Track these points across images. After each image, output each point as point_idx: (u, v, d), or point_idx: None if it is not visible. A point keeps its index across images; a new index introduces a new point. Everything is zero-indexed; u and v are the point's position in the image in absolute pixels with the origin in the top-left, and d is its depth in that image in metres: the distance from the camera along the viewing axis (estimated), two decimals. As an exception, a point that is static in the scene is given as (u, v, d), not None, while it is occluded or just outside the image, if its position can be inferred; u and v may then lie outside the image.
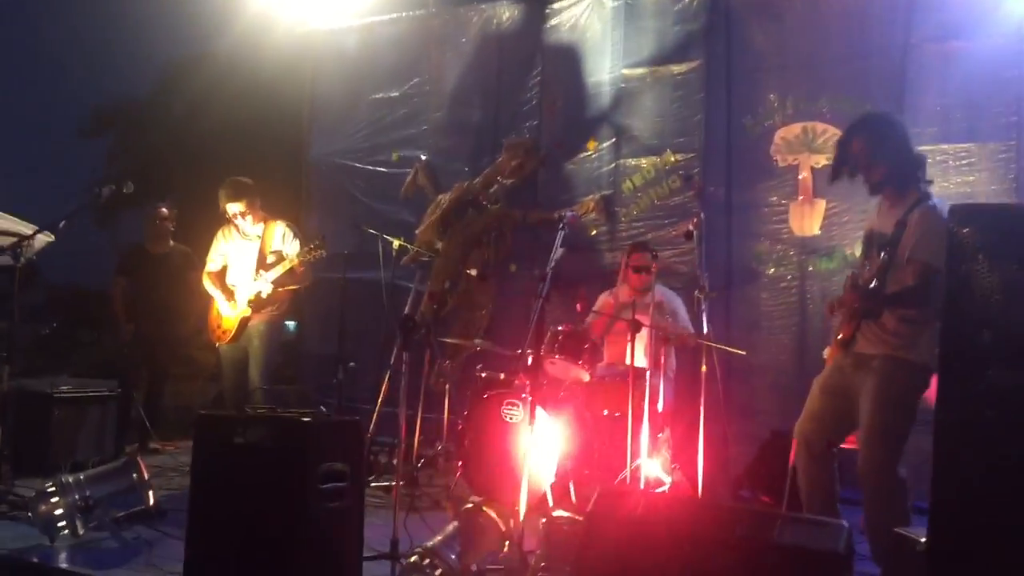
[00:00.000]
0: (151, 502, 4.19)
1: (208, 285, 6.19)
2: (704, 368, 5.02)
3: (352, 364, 7.35)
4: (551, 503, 4.91)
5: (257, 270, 5.91)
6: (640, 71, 7.23)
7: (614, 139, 7.32)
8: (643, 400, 5.26)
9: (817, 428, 4.19)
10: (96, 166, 21.91)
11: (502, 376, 5.98)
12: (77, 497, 3.96)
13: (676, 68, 7.08)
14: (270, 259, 5.96)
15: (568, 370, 5.47)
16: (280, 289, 5.91)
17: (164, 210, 7.33)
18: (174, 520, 4.41)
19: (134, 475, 4.14)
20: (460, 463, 5.53)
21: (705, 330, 5.01)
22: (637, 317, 5.51)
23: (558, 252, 4.39)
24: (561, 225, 4.48)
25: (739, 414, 6.39)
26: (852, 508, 4.22)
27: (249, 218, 6.01)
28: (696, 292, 5.14)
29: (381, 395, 6.00)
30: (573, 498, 5.08)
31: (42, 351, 14.99)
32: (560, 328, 5.49)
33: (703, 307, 5.06)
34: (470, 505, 3.46)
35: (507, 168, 7.69)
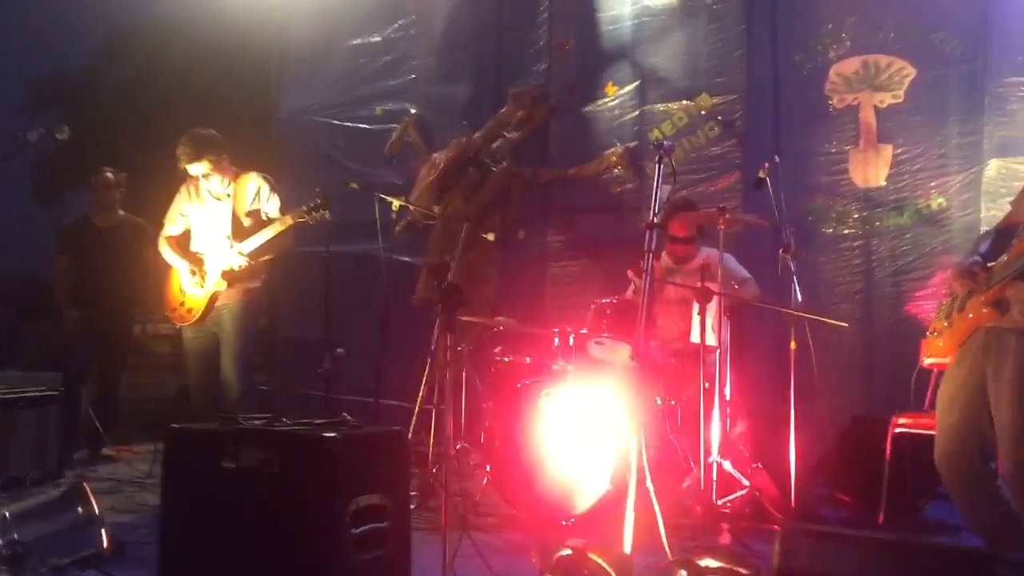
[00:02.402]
0: (103, 542, 3.12)
1: (166, 252, 5.07)
2: (794, 345, 4.08)
3: (340, 350, 6.33)
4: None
5: (233, 237, 4.83)
6: (667, 2, 6.22)
7: (638, 82, 6.32)
8: (712, 385, 4.33)
9: (959, 445, 3.27)
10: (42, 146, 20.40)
11: (528, 360, 5.00)
12: (1, 543, 2.88)
13: (711, -4, 6.08)
14: (246, 222, 4.88)
15: (617, 351, 4.49)
16: (252, 261, 4.84)
17: (109, 175, 6.19)
18: (133, 558, 3.37)
19: (79, 508, 3.07)
20: (487, 467, 4.53)
21: (798, 298, 4.05)
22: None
23: (662, 191, 3.39)
24: (659, 157, 3.49)
25: (797, 395, 5.48)
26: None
27: (216, 178, 4.92)
28: (780, 251, 4.18)
29: (422, 390, 4.97)
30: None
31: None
32: (608, 301, 4.49)
33: (791, 269, 4.10)
34: (567, 552, 2.46)
35: (512, 120, 6.66)
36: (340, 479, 2.23)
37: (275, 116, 7.89)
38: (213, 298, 4.86)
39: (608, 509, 4.14)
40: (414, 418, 5.13)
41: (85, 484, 3.05)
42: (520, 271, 6.68)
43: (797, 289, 4.09)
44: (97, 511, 2.98)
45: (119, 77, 16.92)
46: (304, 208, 4.72)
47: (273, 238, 4.79)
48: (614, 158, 6.31)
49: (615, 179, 6.35)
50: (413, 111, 7.13)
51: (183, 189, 5.08)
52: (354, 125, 7.40)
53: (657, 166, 3.48)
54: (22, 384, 5.21)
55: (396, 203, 5.21)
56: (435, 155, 6.94)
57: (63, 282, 6.10)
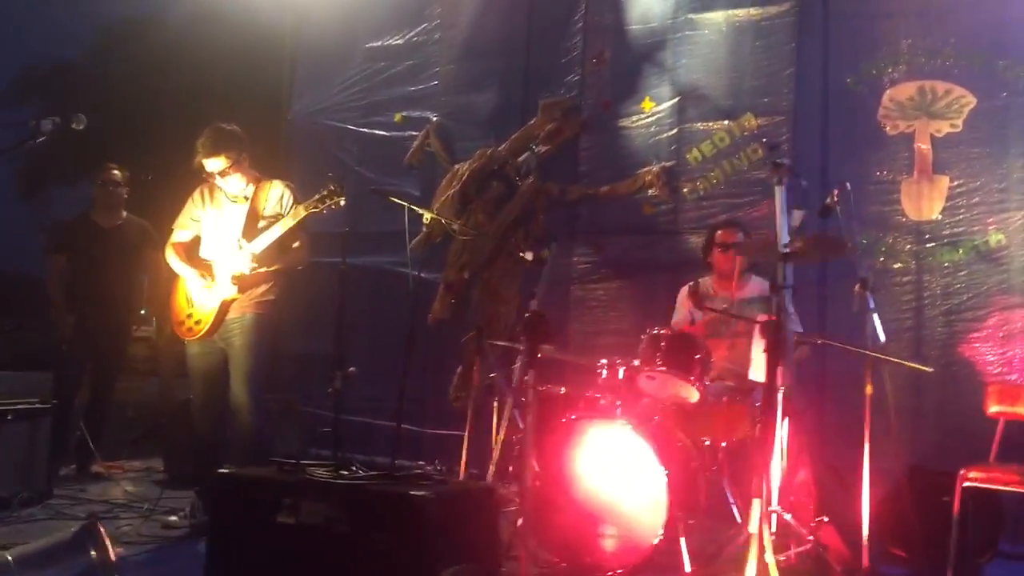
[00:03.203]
0: (118, 593, 2.72)
1: (173, 260, 4.65)
2: (870, 388, 3.75)
3: (352, 369, 5.94)
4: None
5: (244, 238, 4.43)
6: (712, 15, 5.91)
7: (677, 98, 5.99)
8: (769, 427, 4.00)
9: None
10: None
11: (562, 390, 4.65)
12: (1, 596, 2.48)
13: (759, 12, 5.75)
14: (262, 225, 4.48)
15: (670, 387, 4.15)
16: (264, 269, 4.44)
17: (116, 172, 5.80)
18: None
19: (93, 552, 2.67)
20: (522, 509, 4.15)
21: (880, 338, 3.72)
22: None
23: (791, 218, 3.04)
24: (778, 178, 3.16)
25: (838, 439, 5.15)
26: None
27: (234, 177, 4.52)
28: (856, 287, 3.84)
29: (469, 421, 4.55)
30: (687, 563, 3.76)
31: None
32: (662, 332, 4.14)
33: (870, 306, 3.76)
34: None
35: (541, 133, 6.33)
36: (432, 543, 1.86)
37: (284, 118, 7.51)
38: (223, 308, 4.45)
39: (659, 561, 3.81)
40: (464, 452, 4.71)
41: (99, 525, 2.65)
42: (544, 294, 6.32)
43: (879, 328, 3.75)
44: (113, 556, 2.59)
45: (111, 72, 16.47)
46: (316, 197, 4.32)
47: (284, 238, 4.41)
48: (649, 177, 5.98)
49: (649, 199, 6.02)
50: (434, 119, 6.77)
51: (196, 193, 4.69)
52: (371, 131, 7.03)
53: (777, 188, 3.11)
54: (11, 388, 4.81)
55: (428, 215, 4.84)
56: (457, 166, 6.59)
57: (60, 283, 5.69)
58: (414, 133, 6.84)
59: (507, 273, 6.37)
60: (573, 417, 4.04)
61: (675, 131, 5.98)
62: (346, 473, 2.14)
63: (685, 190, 5.92)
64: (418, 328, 5.28)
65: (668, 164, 5.95)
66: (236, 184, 4.53)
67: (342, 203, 4.30)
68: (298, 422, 6.08)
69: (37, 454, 4.73)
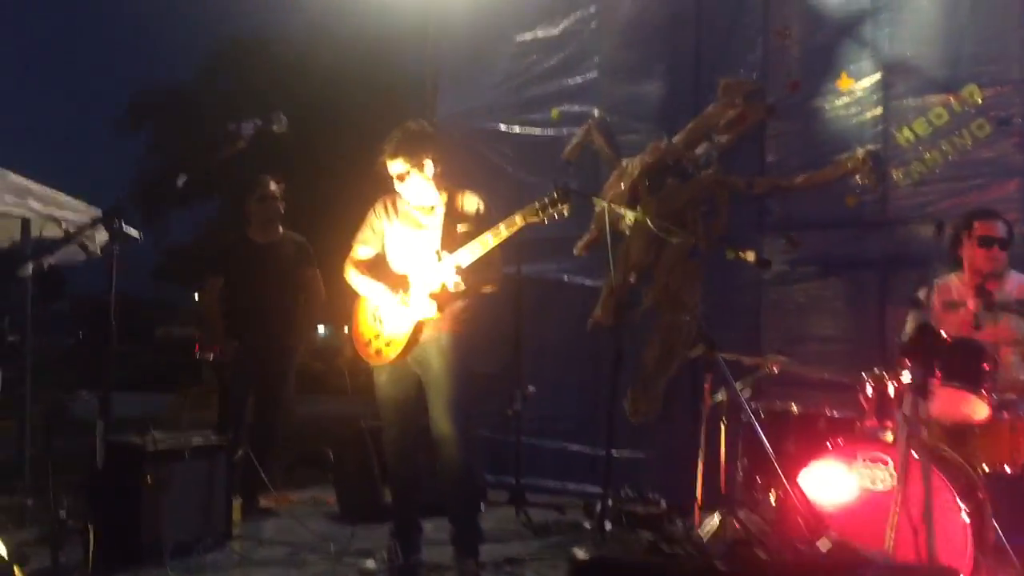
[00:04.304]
0: None
1: (356, 277, 4.16)
2: None
3: (532, 388, 5.49)
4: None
5: (443, 250, 3.92)
6: (918, -26, 5.23)
7: (880, 73, 5.31)
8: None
9: None
10: (134, 161, 20.23)
11: (794, 408, 4.05)
12: None
13: (979, -34, 5.06)
14: (460, 236, 3.95)
15: (955, 404, 3.50)
16: (474, 284, 3.94)
17: (272, 184, 5.43)
18: None
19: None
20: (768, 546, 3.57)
21: None
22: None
23: None
24: None
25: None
26: None
27: (420, 183, 4.04)
28: None
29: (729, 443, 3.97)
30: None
31: (67, 364, 13.41)
32: (940, 337, 3.49)
33: None
34: None
35: (721, 121, 5.72)
36: None
37: (429, 121, 7.06)
38: (418, 328, 3.96)
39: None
40: (699, 482, 4.15)
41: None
42: (730, 297, 5.73)
43: None
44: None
45: (222, 90, 16.49)
46: (536, 204, 3.78)
47: (489, 255, 3.89)
48: (852, 163, 5.31)
49: (852, 188, 5.36)
50: (596, 113, 6.24)
51: (378, 205, 4.23)
52: (524, 130, 6.55)
53: None
54: (187, 431, 4.46)
55: (630, 216, 4.27)
56: (625, 162, 6.03)
57: (218, 306, 5.34)
58: (573, 130, 6.33)
59: (688, 276, 5.78)
60: (838, 442, 3.42)
61: (880, 110, 5.31)
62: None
63: (896, 176, 5.23)
64: (613, 343, 4.72)
65: (873, 148, 5.28)
66: (422, 192, 4.06)
67: (566, 213, 3.77)
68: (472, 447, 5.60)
69: (216, 493, 4.36)
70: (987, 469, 3.60)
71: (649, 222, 4.34)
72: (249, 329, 5.27)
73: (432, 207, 4.09)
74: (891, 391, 3.43)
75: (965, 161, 5.05)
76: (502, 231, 3.78)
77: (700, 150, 5.80)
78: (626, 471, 5.80)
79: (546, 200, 3.77)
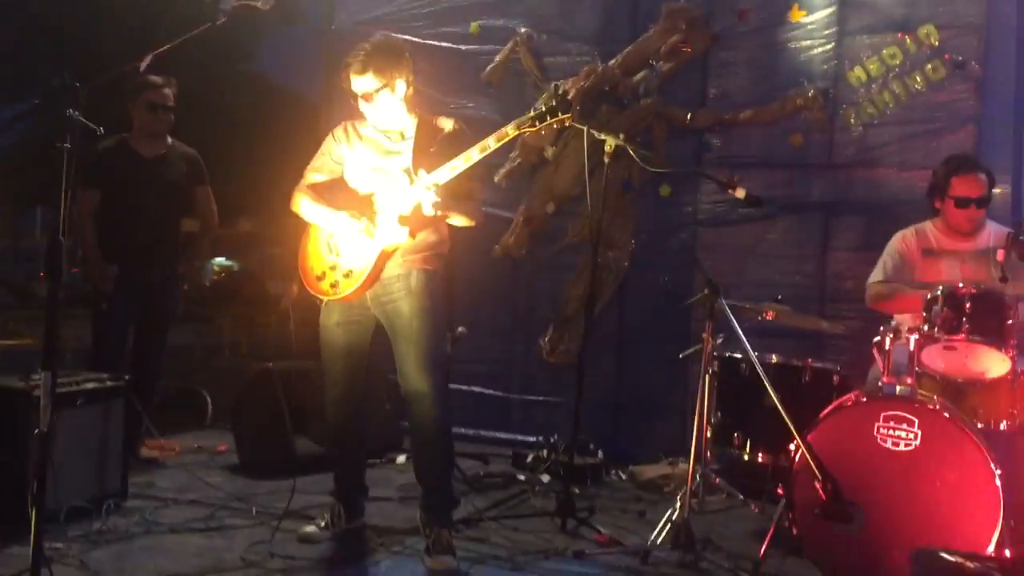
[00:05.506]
0: None
1: (308, 206, 3.48)
2: None
3: (461, 329, 4.94)
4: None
5: (415, 170, 3.29)
6: (879, -97, 4.97)
7: (834, 7, 5.05)
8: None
9: None
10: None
11: (796, 362, 3.75)
12: None
13: None
14: (434, 153, 3.35)
15: (976, 359, 3.27)
16: (453, 208, 3.37)
17: (166, 90, 4.55)
18: None
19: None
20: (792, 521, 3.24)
21: None
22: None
23: None
24: None
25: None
26: None
27: (387, 104, 3.37)
28: None
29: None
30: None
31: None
32: (964, 288, 3.24)
33: None
34: None
35: (663, 46, 5.32)
36: None
37: (326, 29, 6.30)
38: (383, 258, 3.35)
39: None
40: (703, 436, 3.78)
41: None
42: (663, 236, 5.40)
43: None
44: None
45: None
46: (532, 114, 3.22)
47: (466, 180, 3.33)
48: (801, 100, 5.05)
49: (799, 127, 5.11)
50: (523, 29, 5.69)
51: (337, 129, 3.52)
52: (439, 44, 5.90)
53: None
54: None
55: (611, 141, 3.79)
56: (555, 84, 5.51)
57: (92, 226, 4.50)
58: (496, 47, 5.76)
59: (620, 214, 5.40)
60: (856, 402, 3.13)
61: (832, 46, 5.05)
62: None
63: (845, 117, 5.01)
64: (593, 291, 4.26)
65: (823, 86, 5.03)
66: (391, 115, 3.40)
67: (567, 123, 3.24)
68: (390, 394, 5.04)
69: (111, 446, 3.59)
70: (980, 425, 3.43)
71: (631, 151, 3.88)
72: (130, 254, 4.46)
73: (402, 131, 3.45)
74: (912, 346, 3.15)
75: (917, 104, 4.88)
76: (490, 144, 3.22)
77: (638, 77, 5.39)
78: (549, 418, 5.45)
79: (543, 108, 3.24)
